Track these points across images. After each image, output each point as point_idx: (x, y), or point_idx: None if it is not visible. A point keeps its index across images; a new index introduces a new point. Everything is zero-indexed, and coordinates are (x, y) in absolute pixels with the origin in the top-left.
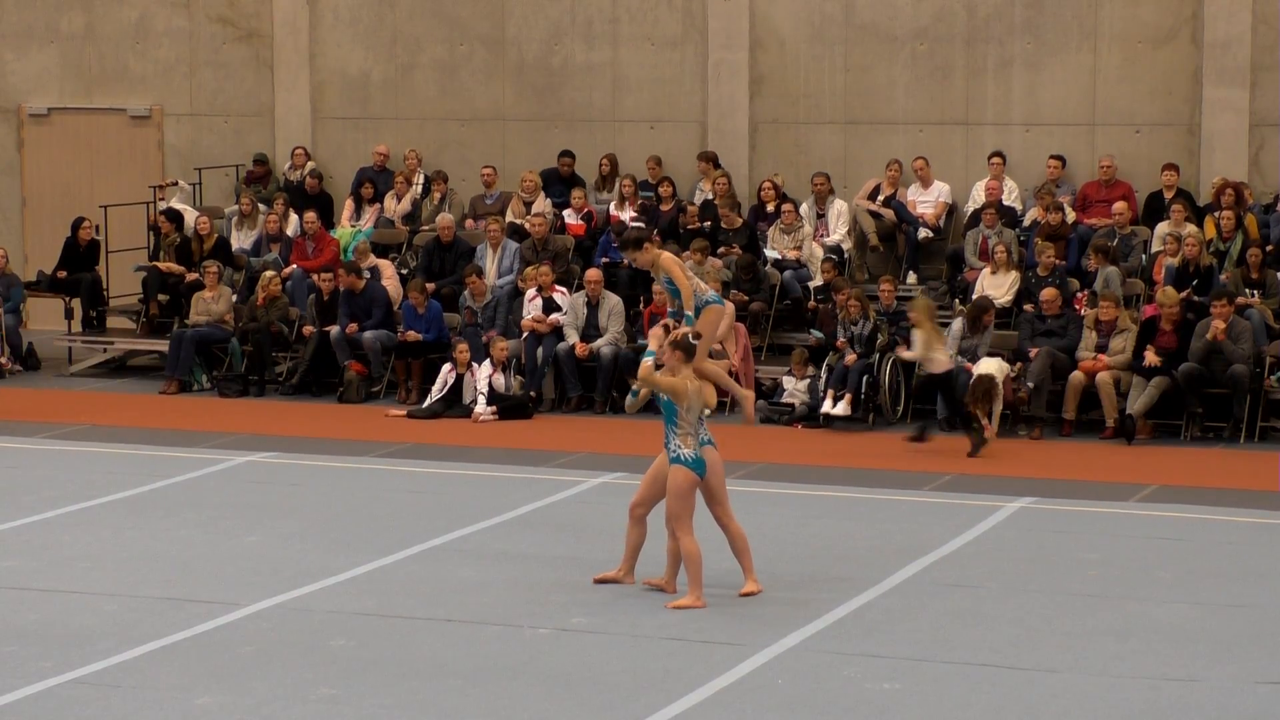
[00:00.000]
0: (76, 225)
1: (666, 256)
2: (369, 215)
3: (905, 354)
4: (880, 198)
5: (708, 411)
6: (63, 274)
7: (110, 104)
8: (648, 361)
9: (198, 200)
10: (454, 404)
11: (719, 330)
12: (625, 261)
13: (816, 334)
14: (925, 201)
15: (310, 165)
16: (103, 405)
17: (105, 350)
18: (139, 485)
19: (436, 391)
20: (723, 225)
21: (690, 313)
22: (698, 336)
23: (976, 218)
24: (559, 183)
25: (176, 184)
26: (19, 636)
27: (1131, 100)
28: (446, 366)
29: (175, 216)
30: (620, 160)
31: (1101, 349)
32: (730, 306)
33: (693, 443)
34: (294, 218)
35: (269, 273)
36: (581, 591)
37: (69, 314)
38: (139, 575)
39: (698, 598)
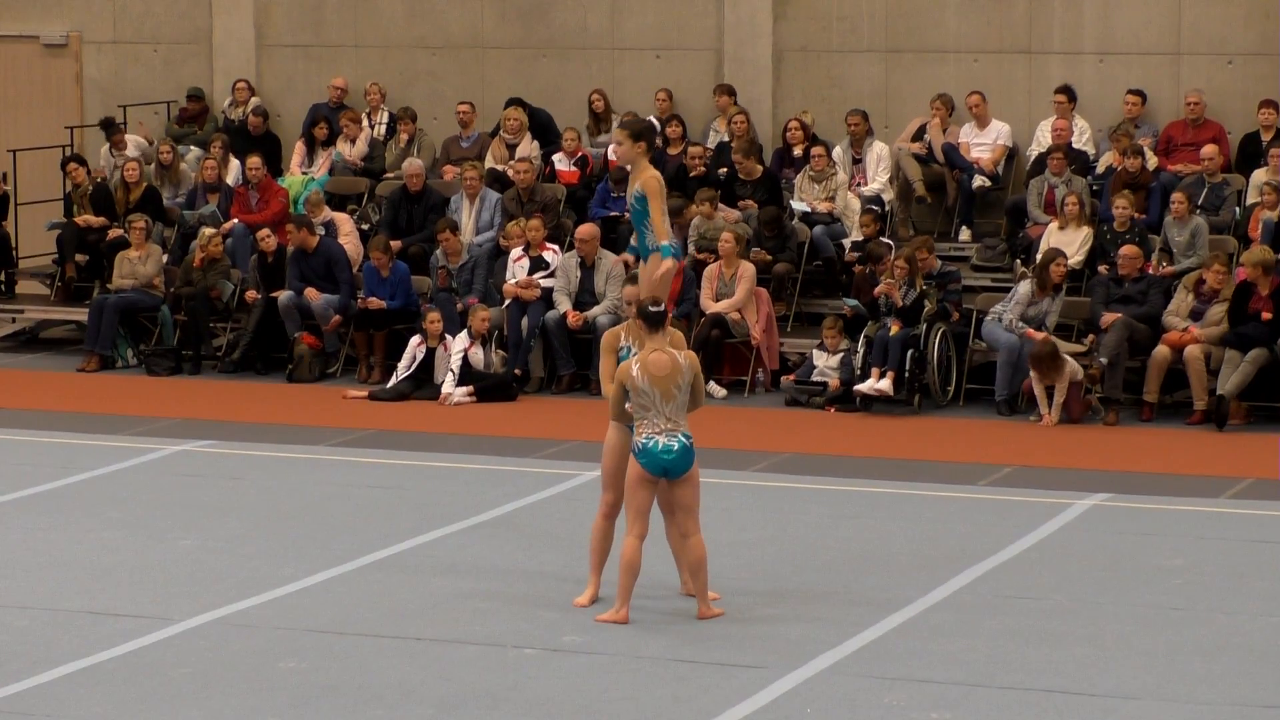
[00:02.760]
0: None
1: (652, 175)
2: (323, 160)
3: None
4: (927, 139)
5: (677, 394)
6: None
7: (20, 30)
8: (624, 365)
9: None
10: (424, 383)
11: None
12: (625, 213)
13: (851, 303)
14: (981, 144)
15: (254, 101)
16: (11, 384)
17: (14, 320)
18: (54, 479)
19: (403, 369)
20: (739, 175)
21: (666, 242)
22: (656, 304)
23: (1041, 163)
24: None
25: (128, 134)
26: None
27: (1223, 25)
28: (415, 339)
29: (84, 162)
30: (619, 95)
31: (1196, 317)
32: (750, 267)
33: (648, 430)
34: (235, 163)
35: (208, 230)
36: (573, 605)
37: None
38: (55, 585)
39: (619, 611)
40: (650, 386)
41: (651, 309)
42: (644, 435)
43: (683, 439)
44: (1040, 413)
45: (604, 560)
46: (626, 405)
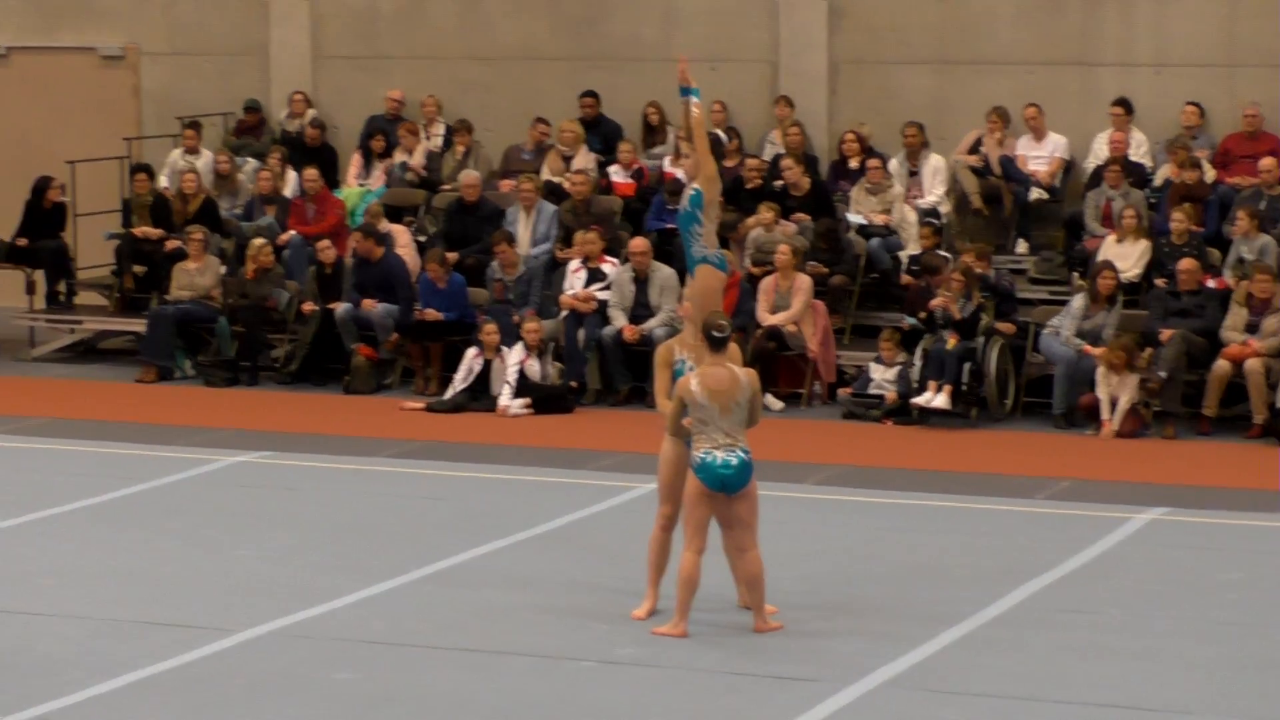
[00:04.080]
0: (42, 186)
1: (713, 177)
2: (379, 172)
3: None
4: (983, 151)
5: (735, 407)
6: (23, 242)
7: (77, 42)
8: (683, 380)
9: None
10: (480, 395)
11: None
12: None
13: (911, 320)
14: (1037, 157)
15: (311, 113)
16: (69, 395)
17: (73, 331)
18: (111, 490)
19: (460, 381)
20: (790, 190)
21: (715, 252)
22: (721, 330)
23: (1098, 176)
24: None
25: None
26: None
27: (1276, 37)
28: (472, 351)
29: (151, 172)
30: (674, 107)
31: (1252, 330)
32: (806, 280)
33: (706, 445)
34: (292, 175)
35: (259, 241)
36: (629, 618)
37: (30, 288)
38: (112, 595)
39: (678, 625)
40: (709, 401)
41: (716, 333)
42: (702, 450)
43: (741, 454)
44: (1101, 420)
45: (662, 573)
46: (685, 420)
